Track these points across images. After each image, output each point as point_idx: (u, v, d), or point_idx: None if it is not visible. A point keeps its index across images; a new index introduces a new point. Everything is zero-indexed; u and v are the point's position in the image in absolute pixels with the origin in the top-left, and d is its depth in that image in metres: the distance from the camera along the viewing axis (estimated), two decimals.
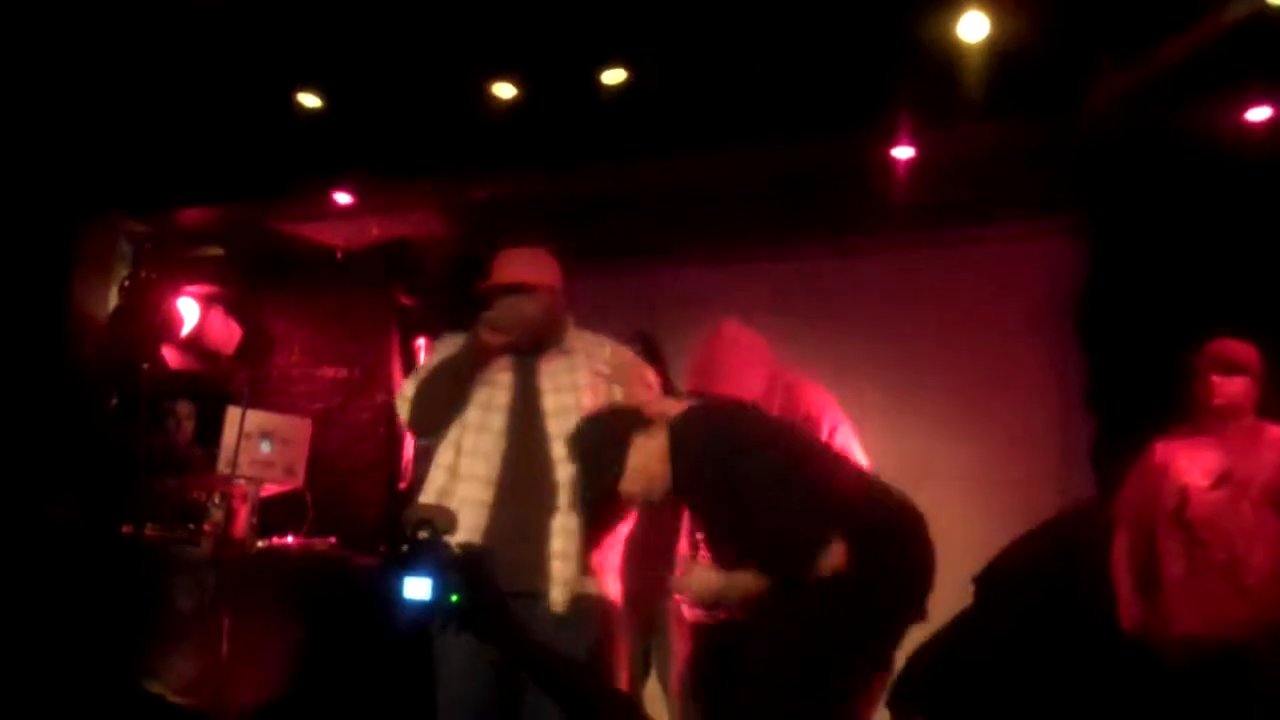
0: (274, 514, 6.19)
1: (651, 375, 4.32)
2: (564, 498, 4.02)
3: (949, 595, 5.49)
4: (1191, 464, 4.88)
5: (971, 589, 5.46)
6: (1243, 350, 4.87)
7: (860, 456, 4.78)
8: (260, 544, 5.93)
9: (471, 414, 4.10)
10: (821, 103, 5.37)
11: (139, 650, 5.52)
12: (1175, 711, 4.70)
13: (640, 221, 6.55)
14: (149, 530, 5.87)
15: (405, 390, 4.22)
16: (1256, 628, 4.66)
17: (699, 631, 4.85)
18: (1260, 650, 4.63)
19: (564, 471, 4.02)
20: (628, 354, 4.33)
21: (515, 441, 4.06)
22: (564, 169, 6.06)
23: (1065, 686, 4.94)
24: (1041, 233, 6.08)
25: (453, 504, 3.97)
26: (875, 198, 5.79)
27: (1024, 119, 5.19)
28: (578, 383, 4.14)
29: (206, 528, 5.75)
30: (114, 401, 6.52)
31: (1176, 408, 4.99)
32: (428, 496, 4.11)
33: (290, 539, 6.14)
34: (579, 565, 4.00)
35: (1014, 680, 5.04)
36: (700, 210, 6.30)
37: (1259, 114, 5.00)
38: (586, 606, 4.01)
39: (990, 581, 5.42)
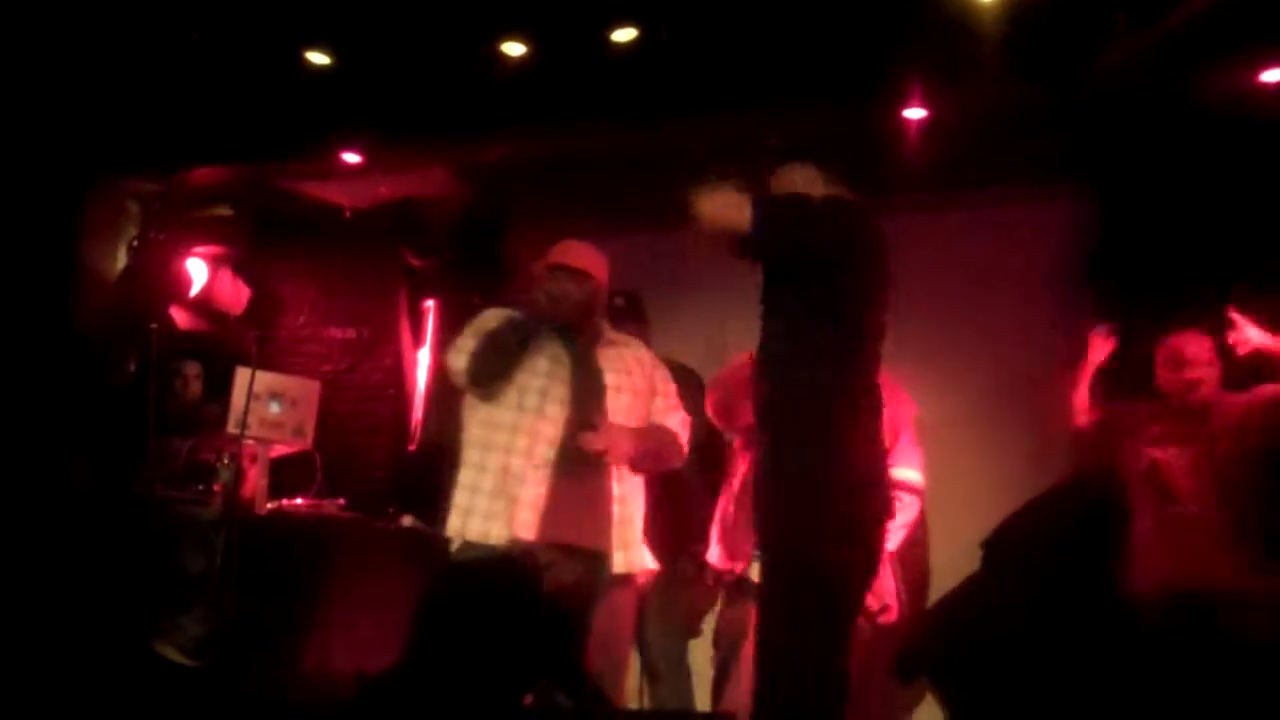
0: (283, 475, 6.20)
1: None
2: (622, 467, 4.47)
3: (957, 560, 5.51)
4: (1162, 428, 5.00)
5: (979, 554, 5.46)
6: (1198, 347, 4.99)
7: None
8: (269, 505, 5.94)
9: (536, 381, 4.46)
10: (833, 63, 5.34)
11: (148, 611, 5.53)
12: (1156, 667, 4.73)
13: (647, 183, 6.50)
14: (158, 491, 5.88)
15: (464, 344, 4.52)
16: (1228, 578, 4.71)
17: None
18: (1233, 599, 4.67)
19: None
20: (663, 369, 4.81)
21: (578, 411, 4.44)
22: (573, 128, 6.03)
23: (1073, 651, 4.94)
24: (1052, 196, 6.04)
25: (518, 460, 4.37)
26: (885, 160, 5.75)
27: (1036, 81, 5.16)
28: (629, 368, 4.63)
29: (216, 488, 5.75)
30: (132, 368, 6.50)
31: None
32: (474, 456, 4.47)
33: (299, 500, 6.15)
34: (635, 533, 4.51)
35: (1021, 645, 5.04)
36: (704, 172, 6.25)
37: (1272, 75, 4.97)
38: (637, 570, 4.53)
39: (998, 546, 5.41)
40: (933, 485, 5.36)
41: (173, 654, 5.44)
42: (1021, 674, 4.99)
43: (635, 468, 4.51)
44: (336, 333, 7.50)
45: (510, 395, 4.46)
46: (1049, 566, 5.19)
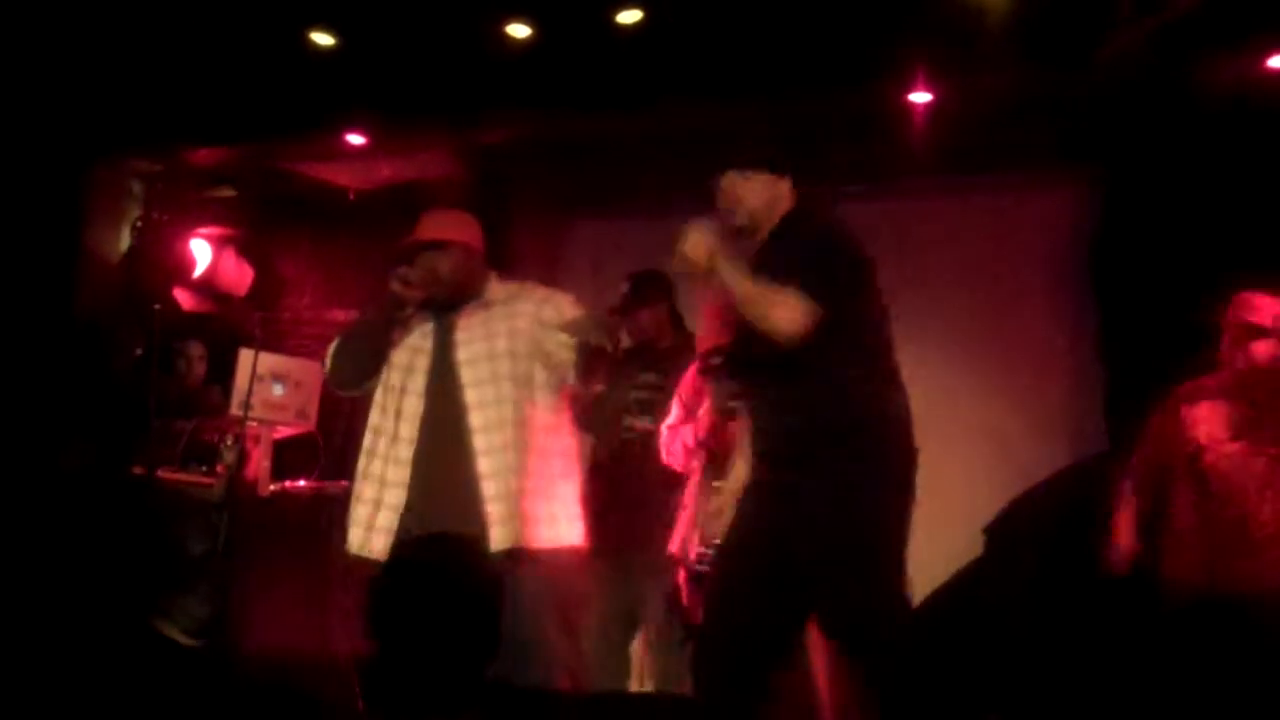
0: (287, 457, 6.20)
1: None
2: (484, 442, 4.04)
3: (960, 546, 5.52)
4: (1212, 414, 4.81)
5: (982, 540, 5.47)
6: (1268, 306, 4.74)
7: None
8: (272, 487, 5.94)
9: (394, 377, 4.15)
10: (838, 46, 5.33)
11: (150, 592, 5.54)
12: (1179, 666, 4.68)
13: (649, 167, 6.50)
14: (161, 472, 5.88)
15: (331, 347, 4.28)
16: (1263, 582, 4.64)
17: None
18: (1266, 606, 4.61)
19: (480, 417, 4.05)
20: (565, 299, 4.26)
21: (433, 399, 4.09)
22: (577, 111, 6.02)
23: (1075, 637, 4.95)
24: (1056, 182, 6.04)
25: (378, 467, 4.07)
26: (890, 145, 5.75)
27: (1041, 66, 5.15)
28: (493, 330, 4.15)
29: (219, 470, 5.75)
30: (139, 351, 6.48)
31: (1195, 358, 4.92)
32: (361, 461, 4.18)
33: (303, 482, 6.16)
34: (512, 507, 4.01)
35: (1024, 631, 5.05)
36: (712, 156, 6.24)
37: (1278, 61, 4.95)
38: (528, 549, 4.02)
39: (1001, 533, 5.43)
40: (931, 471, 5.36)
41: (175, 635, 5.46)
42: (1023, 659, 5.01)
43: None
44: (340, 314, 7.48)
45: (379, 393, 4.18)
46: (1051, 554, 5.19)
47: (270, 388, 5.95)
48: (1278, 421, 4.71)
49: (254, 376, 5.78)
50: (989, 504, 5.53)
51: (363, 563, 4.07)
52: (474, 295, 4.20)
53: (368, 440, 4.18)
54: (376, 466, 4.10)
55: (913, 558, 5.59)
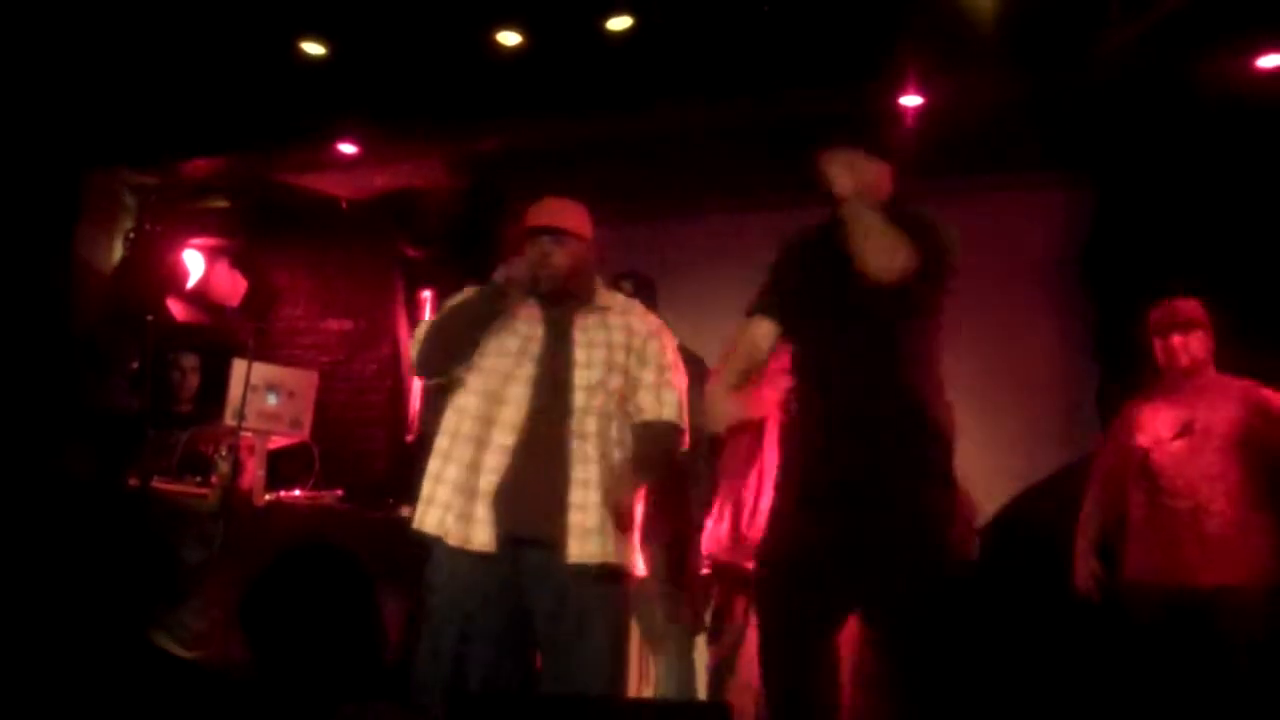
0: (281, 466, 6.19)
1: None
2: (586, 449, 4.02)
3: None
4: (1155, 418, 4.93)
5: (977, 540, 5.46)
6: (1193, 307, 4.91)
7: None
8: (267, 496, 5.94)
9: (504, 362, 4.08)
10: (830, 50, 5.33)
11: (146, 603, 5.52)
12: (1145, 663, 4.72)
13: (643, 171, 6.51)
14: (156, 483, 5.87)
15: (419, 331, 4.22)
16: (1218, 575, 4.69)
17: None
18: (1224, 599, 4.66)
19: (588, 423, 4.03)
20: (656, 320, 4.32)
21: (543, 390, 4.04)
22: (569, 117, 6.02)
23: (1069, 639, 4.95)
24: (1049, 183, 6.05)
25: (471, 449, 4.01)
26: (881, 148, 5.74)
27: (1032, 68, 5.16)
28: (612, 340, 4.13)
29: (213, 480, 5.74)
30: (135, 364, 6.47)
31: (1145, 369, 4.99)
32: (442, 444, 4.11)
33: (297, 492, 6.15)
34: (598, 520, 4.00)
35: (1018, 634, 5.05)
36: (702, 160, 6.26)
37: (1269, 61, 4.96)
38: (605, 565, 4.00)
39: (995, 534, 5.42)
40: None
41: (170, 646, 5.44)
42: (1018, 662, 5.01)
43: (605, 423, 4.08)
44: (333, 324, 7.50)
45: (478, 378, 4.08)
46: (1046, 555, 5.19)
47: (264, 398, 5.94)
48: (1211, 415, 4.81)
49: (248, 386, 5.77)
50: (986, 504, 5.53)
51: (431, 542, 4.05)
52: (584, 294, 4.16)
53: (452, 421, 4.10)
54: (466, 451, 4.02)
55: None
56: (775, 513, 4.01)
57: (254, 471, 5.88)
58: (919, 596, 3.63)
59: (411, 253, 7.33)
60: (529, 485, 3.98)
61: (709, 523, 5.18)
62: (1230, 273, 5.03)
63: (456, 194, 7.04)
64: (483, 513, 3.97)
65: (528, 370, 4.07)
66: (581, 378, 4.07)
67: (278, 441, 6.09)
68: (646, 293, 5.26)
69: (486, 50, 5.76)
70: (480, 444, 4.02)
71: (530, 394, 4.04)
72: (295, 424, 6.06)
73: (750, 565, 4.87)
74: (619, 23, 5.52)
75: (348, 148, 6.48)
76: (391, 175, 7.07)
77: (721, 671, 5.12)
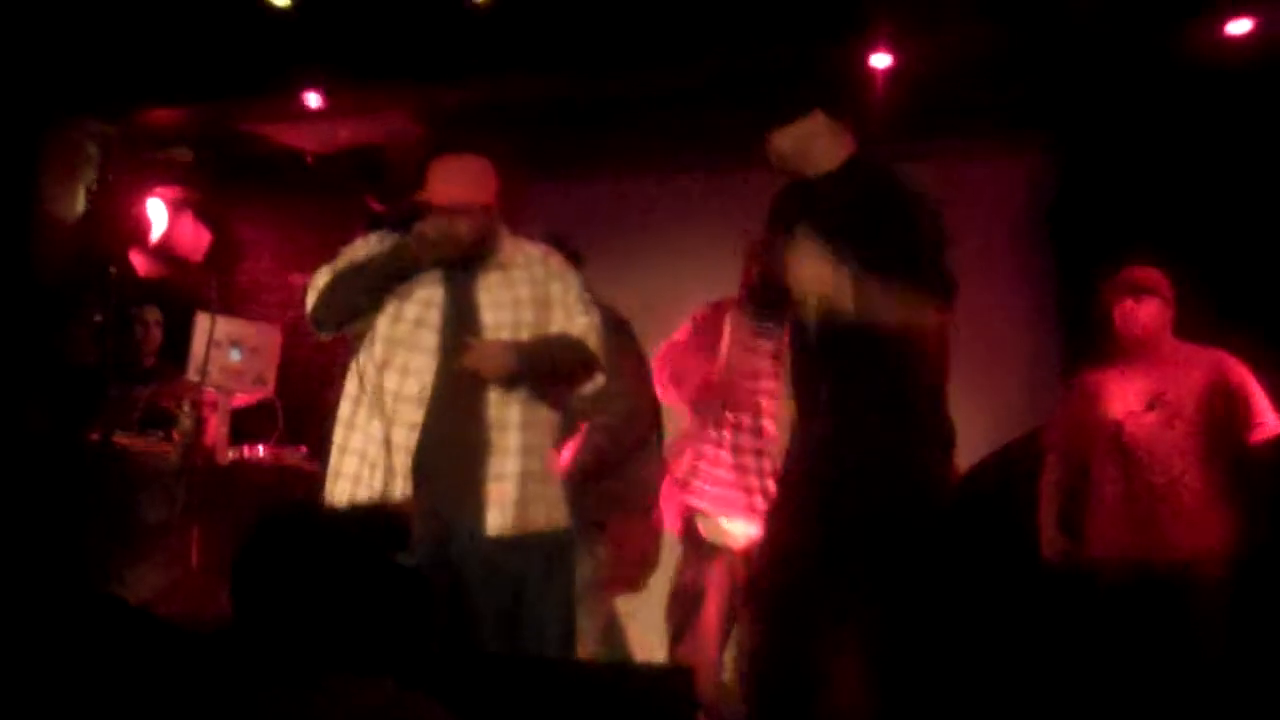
0: (245, 423, 6.17)
1: None
2: (504, 415, 3.97)
3: None
4: (1123, 390, 4.93)
5: None
6: (1150, 274, 4.92)
7: None
8: (230, 454, 5.91)
9: (400, 329, 4.00)
10: (801, 7, 5.30)
11: (107, 560, 5.51)
12: (1114, 638, 4.74)
13: (609, 130, 6.47)
14: (117, 439, 5.83)
15: (317, 280, 4.09)
16: (1194, 548, 4.72)
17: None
18: (1199, 570, 4.68)
19: (499, 391, 3.96)
20: (559, 261, 4.26)
21: (448, 360, 3.95)
22: (538, 72, 5.97)
23: (1033, 606, 4.98)
24: (1015, 146, 6.02)
25: (379, 422, 3.93)
26: (850, 110, 5.72)
27: (1001, 28, 5.13)
28: (518, 297, 4.06)
29: (176, 437, 5.71)
30: (98, 317, 6.40)
31: (1102, 336, 4.99)
32: (343, 412, 4.06)
33: (261, 449, 6.12)
34: (517, 490, 3.96)
35: (984, 601, 5.07)
36: (670, 120, 6.22)
37: (1238, 27, 4.95)
38: (530, 533, 3.97)
39: (957, 503, 5.43)
40: None
41: (131, 601, 5.43)
42: (984, 628, 5.03)
43: (526, 384, 3.98)
44: (298, 278, 7.37)
45: (378, 346, 3.99)
46: (1010, 523, 5.21)
47: (228, 353, 5.91)
48: (1182, 386, 4.80)
49: (211, 342, 5.75)
50: None
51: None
52: (489, 251, 4.08)
53: (353, 387, 4.04)
54: (375, 425, 3.94)
55: None
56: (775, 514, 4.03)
57: (217, 428, 5.87)
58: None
59: (377, 207, 7.25)
60: (445, 458, 3.92)
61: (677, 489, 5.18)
62: (1197, 240, 5.02)
63: (423, 148, 6.97)
64: (398, 489, 3.88)
65: (429, 339, 3.98)
66: (513, 339, 3.99)
67: (241, 398, 6.08)
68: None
69: (455, 2, 5.70)
70: (388, 418, 3.93)
71: (433, 365, 3.95)
72: (259, 380, 6.04)
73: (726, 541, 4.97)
74: None
75: (313, 99, 6.40)
76: (357, 128, 6.99)
77: (677, 634, 5.15)
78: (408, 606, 2.95)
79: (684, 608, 5.11)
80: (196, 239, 7.38)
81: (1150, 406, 4.85)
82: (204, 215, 7.41)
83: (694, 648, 5.04)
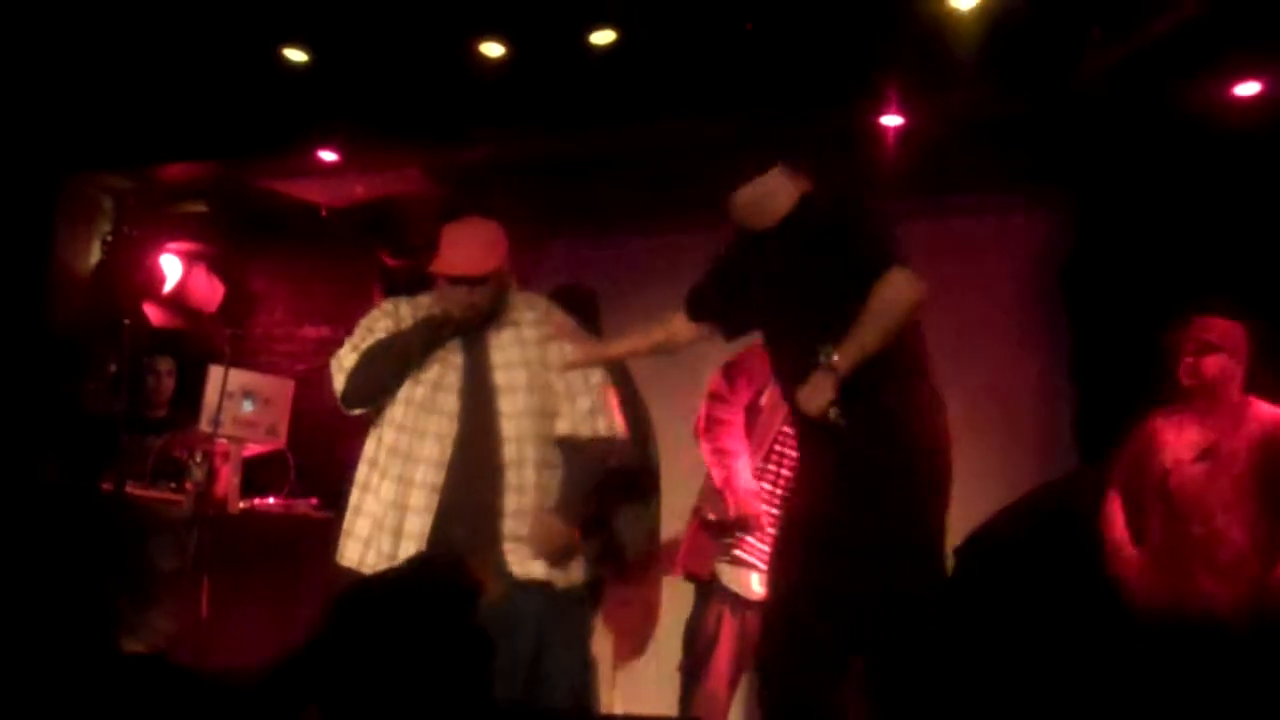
0: (256, 474, 6.18)
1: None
2: (521, 477, 4.03)
3: None
4: (1178, 438, 4.87)
5: (951, 560, 5.46)
6: (1220, 328, 4.85)
7: None
8: (242, 504, 5.92)
9: (419, 392, 4.06)
10: (811, 68, 5.35)
11: (118, 608, 5.50)
12: (1149, 688, 4.72)
13: (623, 186, 6.51)
14: (130, 489, 5.85)
15: (343, 360, 4.14)
16: (1231, 604, 4.67)
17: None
18: (1234, 625, 4.64)
19: (513, 450, 4.02)
20: (560, 314, 4.34)
21: (467, 422, 4.03)
22: (550, 130, 6.02)
23: (1045, 659, 4.95)
24: (1028, 205, 6.05)
25: (394, 486, 3.99)
26: (861, 168, 5.77)
27: (1013, 90, 5.18)
28: (528, 357, 4.12)
29: (188, 487, 5.72)
30: (113, 368, 6.44)
31: (1159, 382, 4.99)
32: (361, 473, 4.13)
33: (272, 499, 6.14)
34: (532, 550, 4.03)
35: (994, 653, 5.05)
36: (685, 176, 6.26)
37: (1246, 89, 4.99)
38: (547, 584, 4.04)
39: (971, 553, 5.42)
40: None
41: (140, 650, 5.42)
42: (994, 682, 5.01)
43: (543, 454, 4.09)
44: (311, 331, 7.48)
45: (396, 409, 4.07)
46: (1022, 575, 5.20)
47: (240, 404, 5.94)
48: (1236, 441, 4.77)
49: (224, 393, 5.77)
50: (961, 524, 5.53)
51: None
52: (502, 309, 4.15)
53: (371, 450, 4.10)
54: (388, 489, 4.00)
55: None
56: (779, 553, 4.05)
57: (229, 478, 5.88)
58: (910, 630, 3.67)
59: (390, 262, 7.31)
60: (461, 522, 3.97)
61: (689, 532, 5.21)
62: (1208, 295, 5.04)
63: (436, 204, 7.02)
64: (408, 552, 3.91)
65: (449, 403, 4.04)
66: (507, 404, 4.06)
67: (253, 449, 6.09)
68: (586, 305, 5.19)
69: (469, 61, 5.75)
70: (404, 481, 4.00)
71: (454, 428, 4.02)
72: (271, 431, 6.06)
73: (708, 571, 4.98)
74: (602, 36, 5.52)
75: (328, 155, 6.46)
76: (371, 184, 7.04)
77: (690, 680, 5.15)
78: (476, 664, 2.98)
79: (698, 653, 5.11)
80: (210, 291, 7.43)
81: (1200, 457, 4.80)
82: (218, 268, 7.46)
83: (706, 694, 5.05)
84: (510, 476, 4.02)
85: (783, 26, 5.33)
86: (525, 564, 4.01)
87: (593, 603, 4.96)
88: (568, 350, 4.20)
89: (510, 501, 4.02)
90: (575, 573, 4.17)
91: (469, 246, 4.09)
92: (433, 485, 3.98)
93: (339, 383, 4.13)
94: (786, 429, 4.88)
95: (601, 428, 4.15)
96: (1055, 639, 4.97)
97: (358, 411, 4.20)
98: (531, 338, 4.16)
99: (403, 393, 4.07)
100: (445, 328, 4.06)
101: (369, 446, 4.14)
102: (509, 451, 4.03)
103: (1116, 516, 5.01)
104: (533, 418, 4.07)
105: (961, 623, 4.66)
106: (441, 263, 4.08)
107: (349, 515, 4.11)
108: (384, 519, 4.00)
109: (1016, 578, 5.21)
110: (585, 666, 4.29)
